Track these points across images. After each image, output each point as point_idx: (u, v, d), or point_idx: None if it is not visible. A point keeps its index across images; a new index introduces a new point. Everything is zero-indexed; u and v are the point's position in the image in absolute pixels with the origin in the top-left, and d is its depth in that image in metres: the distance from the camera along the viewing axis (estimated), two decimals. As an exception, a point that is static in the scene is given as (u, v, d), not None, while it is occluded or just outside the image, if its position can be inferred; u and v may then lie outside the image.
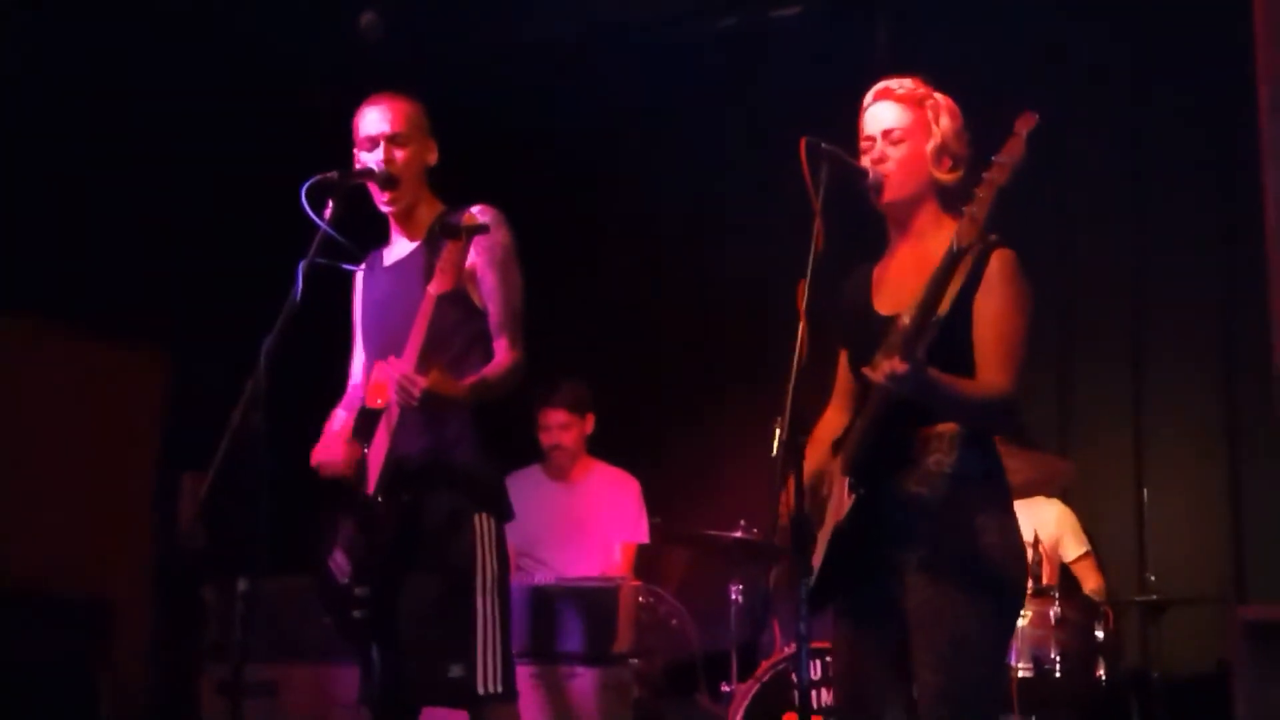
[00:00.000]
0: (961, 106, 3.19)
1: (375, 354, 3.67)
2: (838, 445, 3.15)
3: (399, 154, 3.67)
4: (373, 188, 3.69)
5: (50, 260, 5.85)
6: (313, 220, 3.36)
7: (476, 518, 3.57)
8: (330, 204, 3.41)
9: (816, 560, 3.01)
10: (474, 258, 3.56)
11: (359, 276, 3.85)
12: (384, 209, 3.74)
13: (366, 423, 3.57)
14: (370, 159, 3.67)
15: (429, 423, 3.56)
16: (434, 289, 3.48)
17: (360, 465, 3.57)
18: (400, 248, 3.78)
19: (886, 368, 2.76)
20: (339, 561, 3.61)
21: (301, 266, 3.26)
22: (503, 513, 3.66)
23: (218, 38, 6.26)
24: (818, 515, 3.10)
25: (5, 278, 5.75)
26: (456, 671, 3.47)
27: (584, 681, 4.60)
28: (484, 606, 3.52)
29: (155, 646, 6.13)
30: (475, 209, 3.59)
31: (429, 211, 3.74)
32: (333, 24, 6.24)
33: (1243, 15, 4.30)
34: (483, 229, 3.51)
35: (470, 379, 3.52)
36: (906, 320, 2.77)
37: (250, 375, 3.10)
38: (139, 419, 6.37)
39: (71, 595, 5.43)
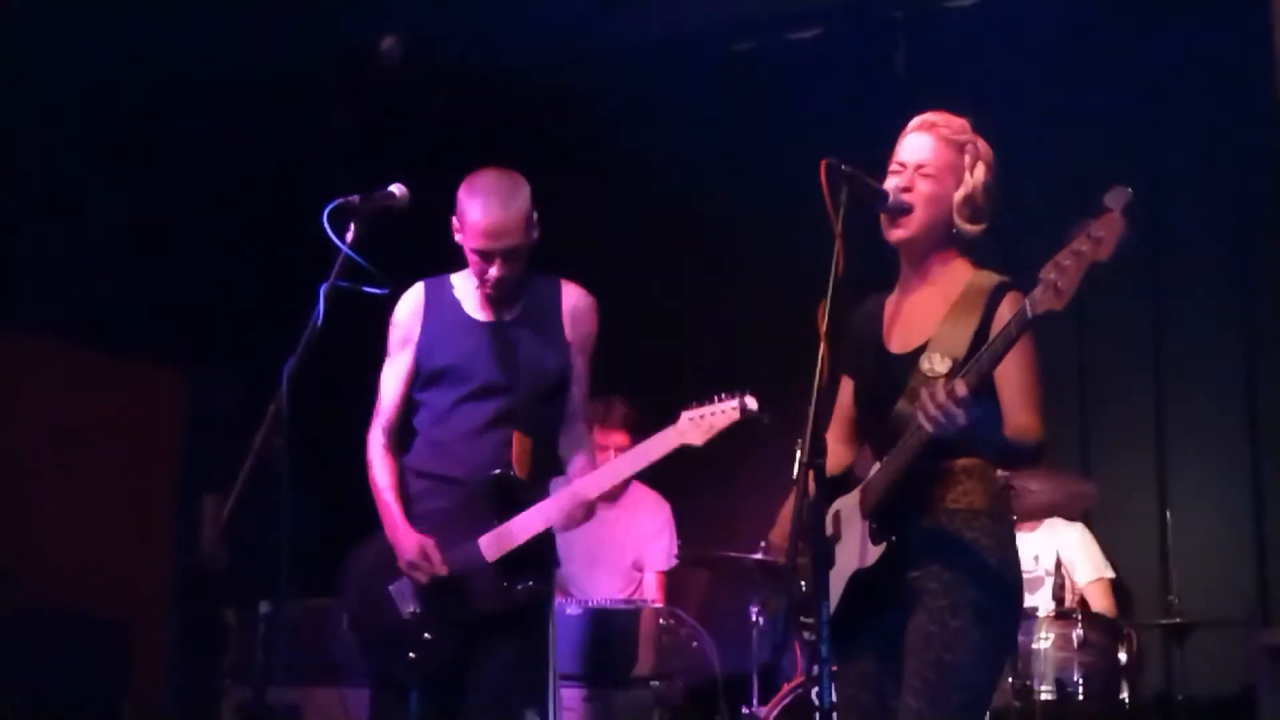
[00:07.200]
0: (975, 129, 3.17)
1: None
2: (838, 483, 3.14)
3: (510, 268, 3.68)
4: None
5: (71, 283, 5.89)
6: (334, 243, 3.36)
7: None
8: (352, 227, 3.41)
9: (832, 602, 3.02)
10: (569, 338, 3.74)
11: None
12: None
13: (503, 493, 3.63)
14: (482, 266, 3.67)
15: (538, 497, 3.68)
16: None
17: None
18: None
19: (934, 412, 2.72)
20: (403, 592, 3.61)
21: (323, 289, 3.26)
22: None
23: (240, 59, 6.30)
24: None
25: (27, 301, 5.79)
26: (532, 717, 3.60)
27: (605, 705, 4.59)
28: (552, 655, 3.70)
29: (176, 668, 6.14)
30: (576, 291, 3.79)
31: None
32: (356, 48, 6.28)
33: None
34: None
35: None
36: (962, 390, 2.71)
37: (271, 398, 3.11)
38: (159, 440, 6.40)
39: (91, 616, 5.44)
